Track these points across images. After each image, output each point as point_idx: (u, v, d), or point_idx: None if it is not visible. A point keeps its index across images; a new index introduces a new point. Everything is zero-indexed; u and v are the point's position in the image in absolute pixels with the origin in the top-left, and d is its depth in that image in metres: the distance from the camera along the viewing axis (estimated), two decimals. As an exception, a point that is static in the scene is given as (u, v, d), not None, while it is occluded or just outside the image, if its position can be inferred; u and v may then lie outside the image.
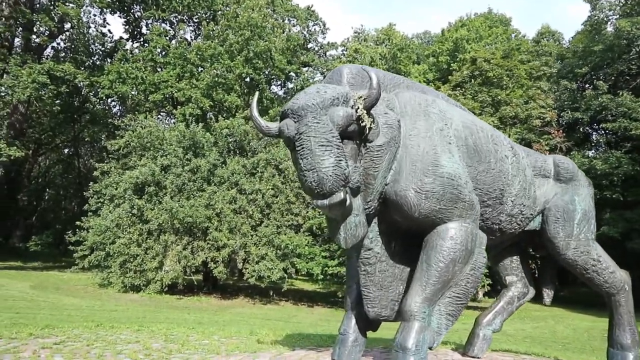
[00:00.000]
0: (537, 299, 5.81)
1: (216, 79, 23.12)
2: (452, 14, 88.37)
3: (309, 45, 34.98)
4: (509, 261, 5.70)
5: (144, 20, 32.56)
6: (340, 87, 3.95)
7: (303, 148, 3.56)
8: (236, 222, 18.43)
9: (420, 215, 4.05)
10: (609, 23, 26.40)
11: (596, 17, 26.32)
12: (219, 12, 31.09)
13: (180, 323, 9.17)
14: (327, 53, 36.04)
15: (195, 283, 19.67)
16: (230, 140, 21.03)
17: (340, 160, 3.55)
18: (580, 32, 31.23)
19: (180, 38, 28.67)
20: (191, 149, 19.96)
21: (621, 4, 24.74)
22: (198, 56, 24.48)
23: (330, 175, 3.47)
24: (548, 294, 5.75)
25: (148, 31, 30.13)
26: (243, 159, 20.38)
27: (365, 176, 3.91)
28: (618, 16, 24.78)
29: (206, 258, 18.21)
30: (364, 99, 3.74)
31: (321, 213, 18.34)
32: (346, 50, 35.67)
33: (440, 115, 4.51)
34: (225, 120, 21.80)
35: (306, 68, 32.96)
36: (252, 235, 18.68)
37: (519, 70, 26.81)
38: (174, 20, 32.27)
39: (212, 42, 24.31)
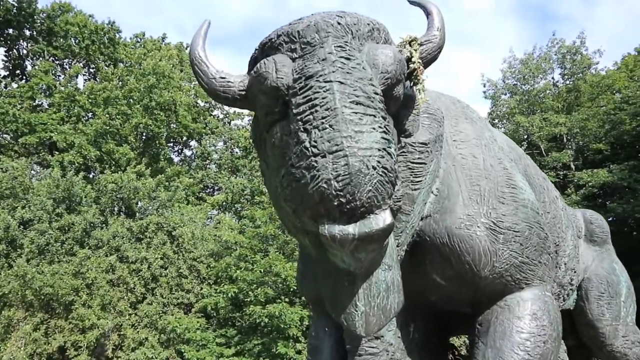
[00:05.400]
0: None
1: (107, 126, 20.11)
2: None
3: (214, 113, 33.30)
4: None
5: (31, 58, 28.73)
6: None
7: (315, 107, 1.49)
8: (111, 297, 15.24)
9: (491, 273, 2.22)
10: (505, 119, 28.39)
11: (497, 113, 28.27)
12: (121, 62, 28.53)
13: None
14: (232, 122, 34.46)
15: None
16: (116, 197, 17.95)
17: (389, 142, 1.55)
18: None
19: (71, 79, 25.22)
20: (65, 202, 16.68)
21: (517, 103, 26.81)
22: (90, 99, 21.40)
23: (375, 167, 1.45)
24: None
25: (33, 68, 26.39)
26: (129, 221, 17.52)
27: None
28: (514, 114, 26.68)
29: (65, 342, 14.48)
30: (420, 43, 1.98)
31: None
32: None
33: (485, 122, 2.95)
34: (113, 174, 18.74)
35: (208, 135, 30.85)
36: (130, 315, 15.50)
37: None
38: (67, 66, 28.88)
39: (108, 83, 21.51)
